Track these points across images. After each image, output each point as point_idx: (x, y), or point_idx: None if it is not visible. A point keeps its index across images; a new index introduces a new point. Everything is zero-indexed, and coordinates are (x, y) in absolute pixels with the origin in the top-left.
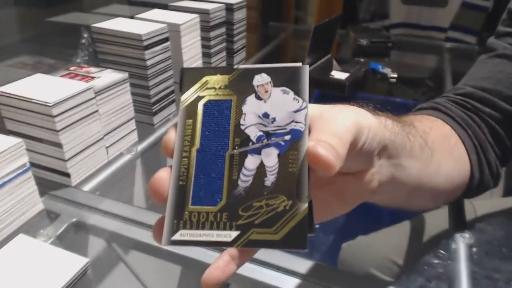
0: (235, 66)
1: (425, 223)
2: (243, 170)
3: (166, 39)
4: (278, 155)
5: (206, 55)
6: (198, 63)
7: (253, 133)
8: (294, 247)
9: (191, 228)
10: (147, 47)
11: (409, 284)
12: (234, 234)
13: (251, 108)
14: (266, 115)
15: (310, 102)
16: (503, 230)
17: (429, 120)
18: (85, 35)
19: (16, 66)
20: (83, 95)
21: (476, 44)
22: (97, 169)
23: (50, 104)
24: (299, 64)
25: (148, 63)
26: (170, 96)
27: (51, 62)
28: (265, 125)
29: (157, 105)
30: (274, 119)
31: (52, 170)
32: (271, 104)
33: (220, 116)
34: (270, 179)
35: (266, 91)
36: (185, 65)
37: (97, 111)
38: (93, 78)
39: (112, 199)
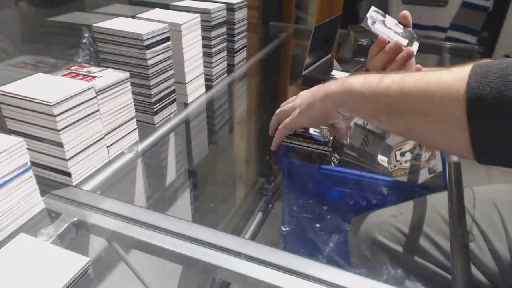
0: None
1: (427, 202)
2: None
3: (167, 39)
4: None
5: (207, 54)
6: (199, 62)
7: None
8: None
9: None
10: (148, 47)
11: (410, 284)
12: None
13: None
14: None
15: None
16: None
17: None
18: (86, 35)
19: (17, 65)
20: (84, 95)
21: (476, 43)
22: (98, 169)
23: (51, 104)
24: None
25: (149, 62)
26: (171, 96)
27: (52, 62)
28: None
29: (158, 104)
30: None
31: (53, 169)
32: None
33: None
34: None
35: None
36: (186, 64)
37: (98, 110)
38: (94, 77)
39: (113, 199)
